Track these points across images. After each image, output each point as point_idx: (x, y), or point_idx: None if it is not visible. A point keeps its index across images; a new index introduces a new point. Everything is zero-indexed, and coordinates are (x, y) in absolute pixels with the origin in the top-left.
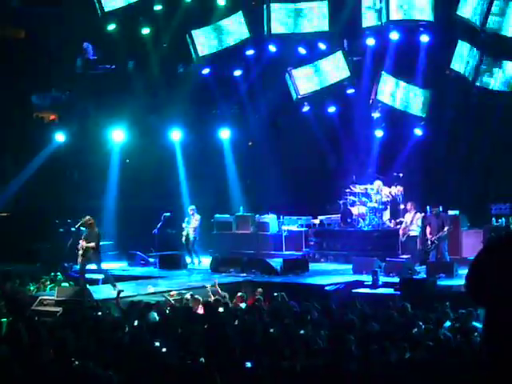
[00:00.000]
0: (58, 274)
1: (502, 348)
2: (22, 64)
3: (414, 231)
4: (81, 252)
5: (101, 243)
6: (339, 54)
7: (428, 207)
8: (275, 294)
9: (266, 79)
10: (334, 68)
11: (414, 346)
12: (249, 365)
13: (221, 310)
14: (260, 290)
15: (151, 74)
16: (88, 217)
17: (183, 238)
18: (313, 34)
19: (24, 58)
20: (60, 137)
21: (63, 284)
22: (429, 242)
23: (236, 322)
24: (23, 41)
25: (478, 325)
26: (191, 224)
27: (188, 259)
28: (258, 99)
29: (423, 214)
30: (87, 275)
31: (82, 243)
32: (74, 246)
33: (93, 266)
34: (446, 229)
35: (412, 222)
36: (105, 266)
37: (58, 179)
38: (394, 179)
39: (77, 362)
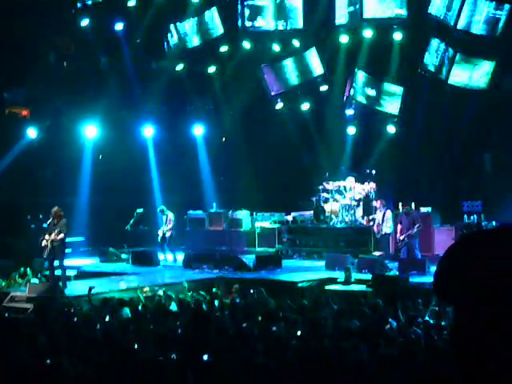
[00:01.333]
0: (28, 269)
1: (469, 347)
2: None
3: (388, 228)
4: (49, 245)
5: (72, 239)
6: (313, 51)
7: (400, 204)
8: (251, 290)
9: (240, 76)
10: (308, 65)
11: (386, 343)
12: (205, 357)
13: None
14: (236, 286)
15: (124, 69)
16: (56, 207)
17: (159, 237)
18: (287, 30)
19: None
20: (32, 132)
21: (33, 280)
22: (399, 240)
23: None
24: None
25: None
26: (167, 224)
27: (161, 256)
28: (231, 96)
29: (393, 212)
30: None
31: (50, 236)
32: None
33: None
34: (416, 227)
35: (384, 220)
36: (77, 262)
37: (31, 175)
38: (367, 176)
39: (48, 360)
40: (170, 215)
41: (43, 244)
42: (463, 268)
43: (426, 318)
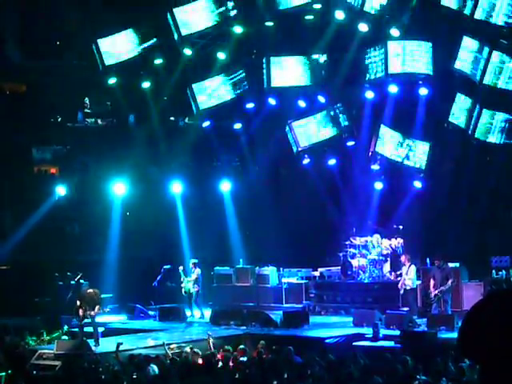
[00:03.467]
0: (65, 327)
1: None
2: (22, 118)
3: (408, 285)
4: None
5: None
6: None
7: (428, 259)
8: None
9: (266, 132)
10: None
11: None
12: None
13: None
14: (262, 342)
15: (152, 126)
16: (94, 290)
17: (183, 291)
18: (312, 86)
19: (24, 111)
20: (61, 190)
21: (63, 337)
22: (432, 295)
23: (237, 376)
24: (24, 95)
25: None
26: (191, 277)
27: (188, 312)
28: (258, 151)
29: (419, 267)
30: (86, 328)
31: (90, 311)
32: (72, 300)
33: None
34: (449, 282)
35: (407, 274)
36: (104, 318)
37: (59, 232)
38: (394, 231)
39: None
40: (197, 270)
41: (81, 313)
42: (488, 326)
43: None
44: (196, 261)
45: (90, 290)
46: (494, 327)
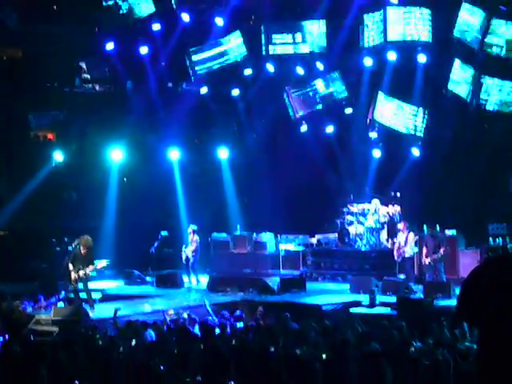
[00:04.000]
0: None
1: (498, 367)
2: (19, 84)
3: (408, 252)
4: (80, 276)
5: (97, 262)
6: (336, 74)
7: (425, 227)
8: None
9: (264, 98)
10: (333, 87)
11: (411, 366)
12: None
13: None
14: (260, 308)
15: (149, 93)
16: (87, 237)
17: (183, 258)
18: (311, 53)
19: (22, 77)
20: (58, 156)
21: (59, 303)
22: (426, 263)
23: (234, 342)
24: (20, 60)
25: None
26: (189, 246)
27: (185, 278)
28: (255, 118)
29: (416, 234)
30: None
31: (79, 270)
32: (68, 269)
33: None
34: (441, 250)
35: (406, 243)
36: (101, 284)
37: (56, 198)
38: (392, 199)
39: (77, 382)
40: (196, 237)
41: (73, 277)
42: (487, 291)
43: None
44: (195, 227)
45: (82, 248)
46: (492, 291)
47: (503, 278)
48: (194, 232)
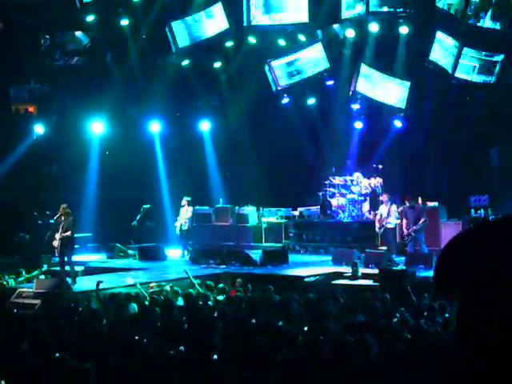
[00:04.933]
0: (45, 266)
1: (471, 338)
2: None
3: (391, 223)
4: (58, 243)
5: (79, 235)
6: (319, 46)
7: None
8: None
9: (246, 71)
10: (314, 59)
11: (393, 337)
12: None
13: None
14: (239, 280)
15: (130, 65)
16: (64, 205)
17: (177, 230)
18: (292, 25)
19: (2, 49)
20: (39, 129)
21: (41, 276)
22: (405, 235)
23: (216, 314)
24: (1, 32)
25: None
26: (183, 215)
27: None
28: (237, 91)
29: (399, 206)
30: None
31: (58, 235)
32: (51, 238)
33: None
34: (421, 221)
35: (389, 214)
36: (84, 258)
37: (37, 171)
38: (374, 171)
39: (56, 355)
40: (191, 208)
41: (54, 244)
42: (462, 261)
43: (433, 312)
44: (189, 199)
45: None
46: (470, 261)
47: (476, 246)
48: (188, 203)
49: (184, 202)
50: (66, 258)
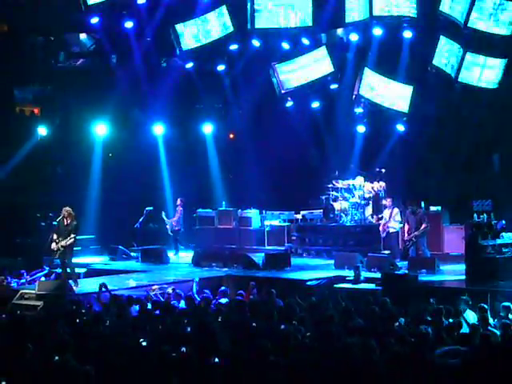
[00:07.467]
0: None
1: None
2: (4, 57)
3: (393, 228)
4: (58, 247)
5: (82, 237)
6: (323, 49)
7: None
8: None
9: (250, 74)
10: (318, 63)
11: (395, 341)
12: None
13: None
14: (253, 283)
15: (134, 67)
16: (68, 207)
17: (169, 230)
18: (296, 28)
19: (7, 51)
20: (42, 130)
21: (43, 278)
22: (407, 239)
23: (220, 318)
24: (6, 34)
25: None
26: (175, 216)
27: (172, 253)
28: (241, 94)
29: (400, 210)
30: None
31: (60, 240)
32: (51, 241)
33: None
34: (422, 227)
35: (390, 218)
36: (86, 259)
37: (40, 173)
38: (377, 175)
39: (56, 357)
40: (180, 209)
41: (53, 247)
42: None
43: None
44: (183, 199)
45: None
46: None
47: None
48: (181, 203)
49: (179, 201)
50: (67, 260)
